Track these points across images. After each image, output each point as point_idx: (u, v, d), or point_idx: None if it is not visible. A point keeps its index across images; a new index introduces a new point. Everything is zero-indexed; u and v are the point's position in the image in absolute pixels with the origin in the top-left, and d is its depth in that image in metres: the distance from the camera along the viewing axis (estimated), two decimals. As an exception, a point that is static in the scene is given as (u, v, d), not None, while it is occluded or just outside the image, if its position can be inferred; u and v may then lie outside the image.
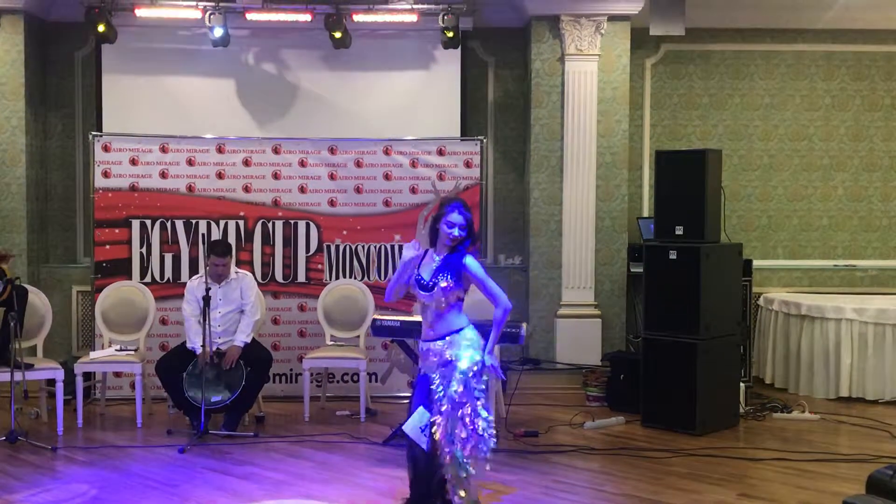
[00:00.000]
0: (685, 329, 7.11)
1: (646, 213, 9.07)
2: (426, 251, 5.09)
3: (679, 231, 7.23)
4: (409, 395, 7.92)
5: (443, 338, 4.96)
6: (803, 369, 8.36)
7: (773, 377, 8.66)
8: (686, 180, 7.24)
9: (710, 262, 7.10)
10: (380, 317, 7.05)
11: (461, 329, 5.00)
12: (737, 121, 9.32)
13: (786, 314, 8.57)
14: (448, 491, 4.91)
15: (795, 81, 9.32)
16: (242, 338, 7.15)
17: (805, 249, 9.40)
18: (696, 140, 9.22)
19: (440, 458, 4.85)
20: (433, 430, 4.84)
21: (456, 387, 4.82)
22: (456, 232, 4.96)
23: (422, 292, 4.98)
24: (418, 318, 7.21)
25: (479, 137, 8.56)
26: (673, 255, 7.20)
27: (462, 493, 4.87)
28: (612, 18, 8.67)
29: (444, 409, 4.83)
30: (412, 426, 4.92)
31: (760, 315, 8.93)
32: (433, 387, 4.91)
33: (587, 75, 8.66)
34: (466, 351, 4.91)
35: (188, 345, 7.16)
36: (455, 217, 4.98)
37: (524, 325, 6.89)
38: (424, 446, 4.88)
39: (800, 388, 8.37)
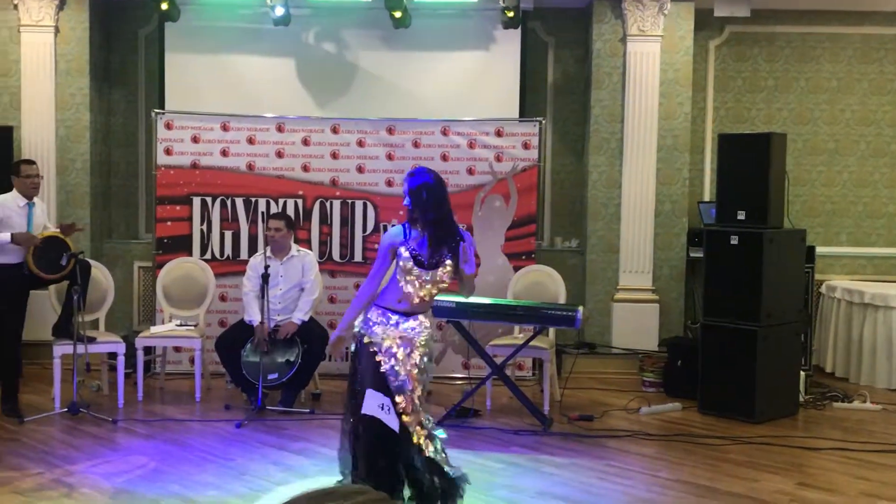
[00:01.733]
0: (745, 315, 7.01)
1: (707, 198, 8.95)
2: (404, 225, 4.84)
3: (741, 216, 7.12)
4: (459, 375, 7.95)
5: (416, 317, 4.81)
6: (865, 358, 8.21)
7: (834, 366, 8.52)
8: (749, 164, 7.13)
9: (772, 248, 6.99)
10: (437, 298, 7.03)
11: (423, 312, 4.86)
12: (802, 104, 9.15)
13: (848, 302, 8.41)
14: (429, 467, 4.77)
15: (863, 65, 9.12)
16: (300, 315, 7.20)
17: (870, 237, 9.22)
18: (760, 124, 9.06)
19: (409, 433, 4.72)
20: (399, 410, 4.68)
21: (420, 366, 4.74)
22: (405, 201, 4.79)
23: (418, 269, 4.75)
24: (475, 299, 7.22)
25: (537, 119, 8.51)
26: (734, 241, 7.09)
27: (433, 448, 4.79)
28: (676, -1, 8.55)
29: (401, 384, 4.70)
30: (372, 408, 4.70)
31: (822, 303, 8.77)
32: (384, 365, 4.71)
33: (649, 57, 8.54)
34: (426, 333, 4.82)
35: (246, 318, 7.23)
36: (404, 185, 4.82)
37: (580, 309, 6.85)
38: (395, 427, 4.68)
39: (861, 378, 8.22)
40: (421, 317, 4.86)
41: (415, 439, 4.75)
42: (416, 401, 4.75)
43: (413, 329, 4.80)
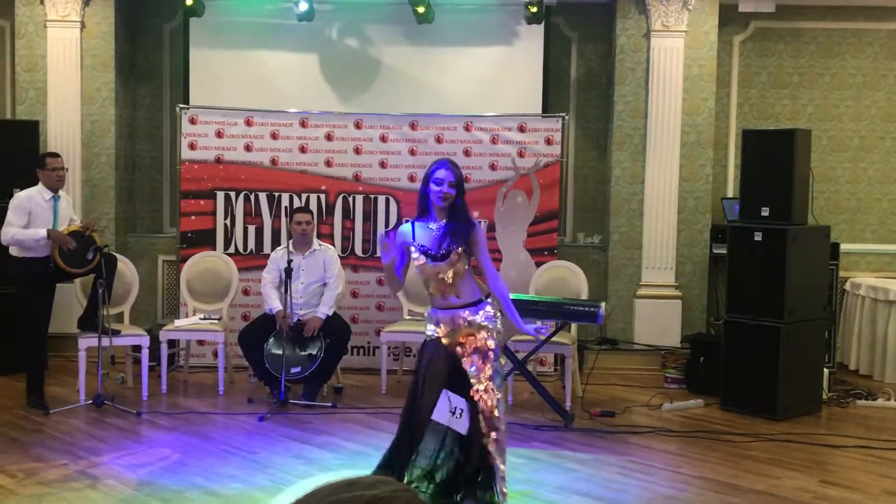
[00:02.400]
0: (769, 312, 6.98)
1: (730, 194, 8.91)
2: (412, 222, 4.85)
3: (765, 212, 7.09)
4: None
5: (476, 308, 4.76)
6: (889, 356, 8.15)
7: (858, 363, 8.46)
8: (774, 160, 7.09)
9: (796, 245, 6.96)
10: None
11: (485, 301, 4.81)
12: (827, 100, 9.09)
13: (873, 299, 8.36)
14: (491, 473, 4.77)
15: (889, 61, 9.04)
16: (324, 310, 7.23)
17: (895, 234, 9.14)
18: (785, 120, 9.01)
19: (480, 439, 4.71)
20: (477, 419, 4.67)
21: (490, 373, 4.71)
22: (444, 188, 4.71)
23: (431, 262, 4.74)
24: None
25: (560, 114, 8.50)
26: (758, 237, 7.07)
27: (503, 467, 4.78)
28: (700, -6, 8.50)
29: (481, 389, 4.70)
30: (444, 413, 4.69)
31: (846, 300, 8.72)
32: (468, 368, 4.72)
33: (673, 52, 8.51)
34: (493, 331, 4.77)
35: (266, 307, 7.26)
36: (441, 173, 4.73)
37: (602, 305, 6.85)
38: (464, 430, 4.69)
39: (885, 376, 8.16)
40: (481, 305, 4.80)
41: (486, 434, 4.73)
42: (493, 398, 4.73)
43: (478, 316, 4.77)
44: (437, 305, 4.86)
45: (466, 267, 4.80)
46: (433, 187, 4.75)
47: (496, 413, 4.74)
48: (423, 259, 4.78)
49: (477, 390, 4.73)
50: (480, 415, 4.72)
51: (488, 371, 4.75)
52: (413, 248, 4.81)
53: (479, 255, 4.82)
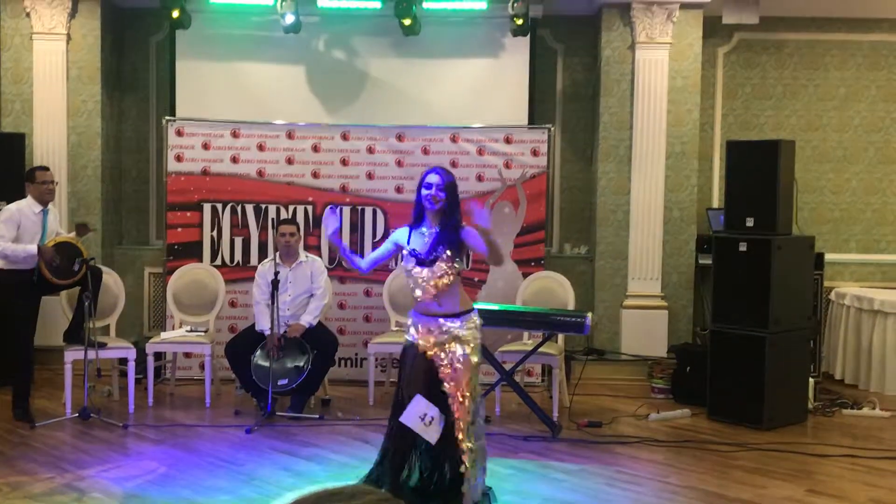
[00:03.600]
0: (754, 322, 7.02)
1: (715, 204, 8.96)
2: (410, 228, 4.94)
3: (750, 223, 7.13)
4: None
5: (459, 318, 4.83)
6: (874, 365, 8.19)
7: (844, 373, 8.50)
8: (758, 171, 7.14)
9: (781, 255, 7.00)
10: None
11: (471, 312, 4.89)
12: (810, 111, 9.15)
13: (858, 309, 8.40)
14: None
15: (872, 72, 9.12)
16: (309, 318, 7.23)
17: (879, 244, 9.21)
18: (769, 131, 9.06)
19: (455, 452, 4.74)
20: (452, 428, 4.71)
21: (465, 385, 4.75)
22: (433, 191, 4.79)
23: (419, 267, 4.82)
24: (484, 305, 7.25)
25: (546, 126, 8.53)
26: (743, 248, 7.11)
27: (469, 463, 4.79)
28: (685, 6, 8.54)
29: (457, 404, 4.74)
30: (412, 417, 4.73)
31: (831, 310, 8.76)
32: (443, 380, 4.77)
33: (658, 64, 8.57)
34: (474, 343, 4.83)
35: (257, 327, 7.26)
36: (432, 178, 4.82)
37: (589, 315, 6.87)
38: (432, 440, 4.74)
39: (870, 385, 8.20)
40: (465, 317, 4.86)
41: (460, 444, 4.74)
42: (466, 402, 4.75)
43: (458, 326, 4.83)
44: (418, 310, 4.94)
45: (453, 276, 4.83)
46: (423, 191, 4.85)
47: (471, 424, 4.76)
48: (412, 263, 4.85)
49: (453, 400, 4.75)
50: (455, 425, 4.74)
51: (464, 382, 4.77)
52: (405, 252, 4.90)
53: (474, 245, 4.84)
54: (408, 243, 4.92)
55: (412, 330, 4.94)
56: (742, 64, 9.14)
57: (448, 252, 4.80)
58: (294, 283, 7.34)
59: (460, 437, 4.75)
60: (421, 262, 4.83)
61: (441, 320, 4.84)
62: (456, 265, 4.83)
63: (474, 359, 4.81)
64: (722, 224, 7.54)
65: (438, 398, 4.78)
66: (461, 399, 4.75)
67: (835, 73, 9.13)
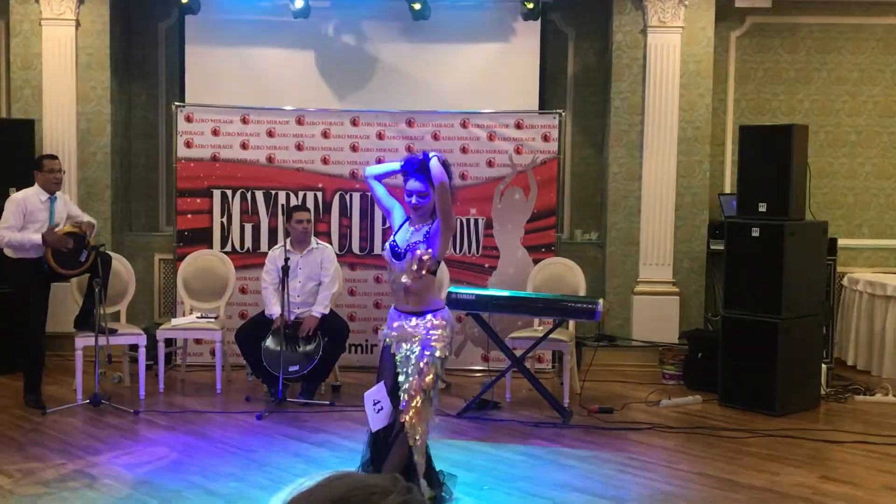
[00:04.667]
0: (766, 308, 6.98)
1: (727, 190, 8.90)
2: (406, 220, 4.90)
3: (762, 208, 7.09)
4: (479, 368, 7.98)
5: (423, 315, 4.80)
6: (887, 351, 8.14)
7: (856, 359, 8.45)
8: (771, 156, 7.09)
9: (794, 241, 6.95)
10: (455, 290, 7.05)
11: (439, 310, 4.86)
12: (824, 96, 9.07)
13: (870, 295, 8.35)
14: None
15: (886, 56, 9.03)
16: (320, 309, 7.21)
17: (892, 229, 9.13)
18: (782, 115, 8.99)
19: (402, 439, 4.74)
20: (401, 415, 4.72)
21: (429, 377, 4.74)
22: (414, 200, 4.74)
23: (394, 260, 4.80)
24: (494, 291, 7.23)
25: (557, 111, 8.48)
26: (755, 233, 7.06)
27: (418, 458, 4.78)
28: (697, -10, 8.48)
29: (408, 395, 4.73)
30: (368, 399, 4.79)
31: (844, 295, 8.70)
32: (398, 369, 4.78)
33: (670, 48, 8.50)
34: (442, 336, 4.79)
35: (266, 312, 7.25)
36: (412, 184, 4.75)
37: (600, 302, 6.84)
38: (374, 427, 4.76)
39: (883, 371, 8.14)
40: (430, 315, 4.82)
41: (410, 441, 4.74)
42: (417, 403, 4.74)
43: (418, 327, 4.81)
44: (395, 306, 4.95)
45: (424, 273, 4.76)
46: (405, 196, 4.81)
47: (417, 420, 4.73)
48: (387, 254, 4.84)
49: (404, 394, 4.74)
50: (402, 416, 4.73)
51: (414, 377, 4.74)
52: (387, 243, 4.91)
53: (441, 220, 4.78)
54: (394, 232, 4.89)
55: (386, 325, 4.97)
56: (755, 48, 9.06)
57: (419, 249, 4.73)
58: (304, 269, 7.32)
59: (409, 435, 4.73)
60: (396, 255, 4.81)
61: (410, 318, 4.83)
62: (427, 261, 4.75)
63: (437, 354, 4.77)
64: (734, 209, 7.49)
65: (396, 393, 4.78)
66: (410, 396, 4.72)
67: (849, 56, 9.05)
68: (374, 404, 4.77)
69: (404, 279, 4.77)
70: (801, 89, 9.06)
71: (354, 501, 1.27)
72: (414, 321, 4.81)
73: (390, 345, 4.87)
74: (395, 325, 4.87)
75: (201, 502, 5.05)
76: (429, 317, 4.81)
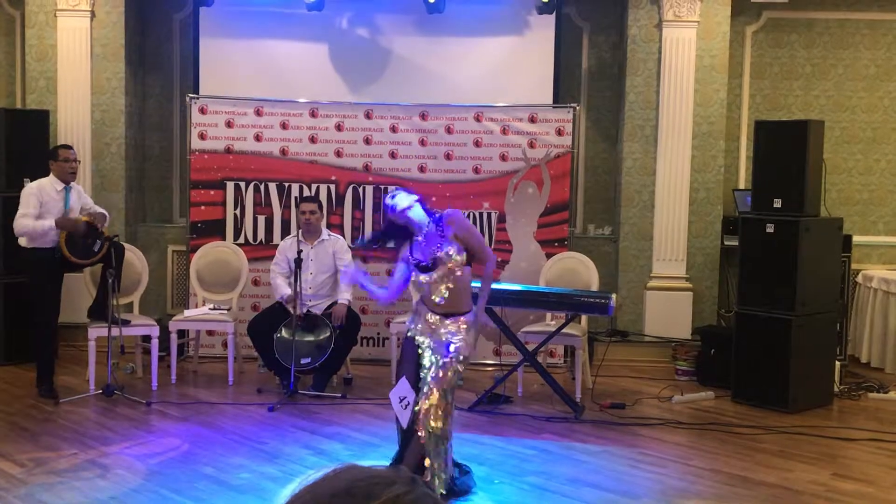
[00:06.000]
0: (780, 304, 6.95)
1: (742, 185, 8.86)
2: (409, 244, 5.02)
3: (777, 204, 7.05)
4: (491, 362, 7.97)
5: (453, 317, 4.94)
6: (902, 349, 8.11)
7: (870, 356, 8.41)
8: (786, 152, 7.05)
9: (808, 237, 6.92)
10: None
11: (467, 312, 4.99)
12: (840, 92, 9.01)
13: (885, 292, 8.30)
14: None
15: (903, 52, 8.97)
16: (347, 296, 7.25)
17: (907, 226, 9.09)
18: (797, 111, 8.94)
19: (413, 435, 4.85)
20: (416, 408, 4.82)
21: (450, 373, 4.83)
22: (402, 222, 4.98)
23: (423, 274, 4.94)
24: (507, 285, 7.21)
25: (571, 105, 8.46)
26: (770, 229, 7.03)
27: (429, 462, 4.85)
28: (713, -16, 8.43)
29: (427, 387, 4.84)
30: (394, 397, 4.92)
31: (858, 292, 8.66)
32: (423, 362, 4.90)
33: (685, 43, 8.45)
34: (466, 338, 4.91)
35: (277, 296, 7.25)
36: (395, 219, 5.01)
37: (613, 297, 6.82)
38: (404, 423, 4.87)
39: (897, 369, 8.13)
40: (462, 318, 4.96)
41: (420, 432, 4.83)
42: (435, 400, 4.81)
43: (445, 325, 4.94)
44: (422, 300, 5.09)
45: (458, 273, 4.92)
46: (401, 260, 5.07)
47: (431, 414, 4.80)
48: (416, 272, 4.98)
49: (424, 384, 4.86)
50: (417, 414, 4.82)
51: (437, 372, 4.84)
52: (412, 263, 5.01)
53: (469, 238, 5.06)
54: (412, 255, 5.00)
55: (411, 316, 5.14)
56: (770, 43, 9.01)
57: (444, 249, 4.89)
58: (316, 260, 7.33)
59: (418, 425, 4.82)
60: (424, 269, 4.94)
61: (437, 316, 4.96)
62: (455, 257, 4.89)
63: (460, 356, 4.88)
64: (749, 205, 7.46)
65: (418, 386, 4.91)
66: (429, 388, 4.83)
67: (865, 52, 8.99)
68: (401, 400, 4.86)
69: (442, 288, 4.92)
70: (816, 85, 9.01)
71: (357, 492, 1.27)
72: (440, 319, 4.95)
73: (414, 336, 4.99)
74: (423, 318, 4.99)
75: (212, 493, 5.06)
76: (461, 319, 4.96)
